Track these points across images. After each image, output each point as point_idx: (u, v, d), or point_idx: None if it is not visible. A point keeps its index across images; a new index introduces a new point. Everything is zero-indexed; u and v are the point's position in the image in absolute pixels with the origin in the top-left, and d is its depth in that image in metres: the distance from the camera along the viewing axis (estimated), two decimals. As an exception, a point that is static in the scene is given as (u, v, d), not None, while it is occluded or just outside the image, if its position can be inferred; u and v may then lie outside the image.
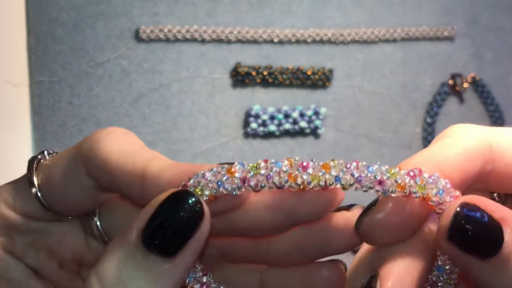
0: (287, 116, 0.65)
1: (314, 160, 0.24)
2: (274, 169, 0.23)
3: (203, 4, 0.64)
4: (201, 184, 0.23)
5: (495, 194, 0.28)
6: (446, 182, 0.24)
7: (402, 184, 0.24)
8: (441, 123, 0.72)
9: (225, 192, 0.23)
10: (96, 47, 0.61)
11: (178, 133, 0.64)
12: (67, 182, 0.26)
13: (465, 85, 0.72)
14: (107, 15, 0.61)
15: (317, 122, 0.66)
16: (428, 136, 0.71)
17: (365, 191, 0.24)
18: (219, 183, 0.23)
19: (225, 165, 0.23)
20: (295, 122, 0.65)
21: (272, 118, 0.65)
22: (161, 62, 0.63)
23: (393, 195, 0.24)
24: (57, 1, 0.59)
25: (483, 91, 0.73)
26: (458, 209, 0.23)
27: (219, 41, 0.64)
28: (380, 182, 0.23)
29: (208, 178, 0.23)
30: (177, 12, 0.63)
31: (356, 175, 0.23)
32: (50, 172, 0.26)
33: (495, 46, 0.74)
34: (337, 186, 0.23)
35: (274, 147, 0.66)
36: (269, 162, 0.23)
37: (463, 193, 0.25)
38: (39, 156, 0.28)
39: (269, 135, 0.66)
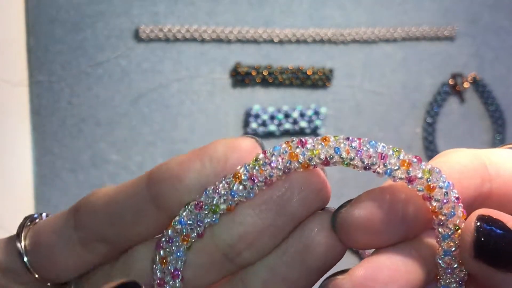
0: (287, 116, 0.65)
1: (313, 137, 0.23)
2: (274, 155, 0.23)
3: (203, 4, 0.63)
4: (215, 200, 0.23)
5: None
6: (450, 183, 0.22)
7: (408, 161, 0.22)
8: (441, 123, 0.72)
9: (241, 200, 0.23)
10: (95, 47, 0.61)
11: (178, 133, 0.64)
12: (55, 238, 0.25)
13: (466, 85, 0.72)
14: (106, 15, 0.61)
15: (317, 122, 0.66)
16: (428, 136, 0.71)
17: (366, 168, 0.22)
18: (232, 193, 0.23)
19: (230, 175, 0.23)
20: (295, 122, 0.65)
21: (272, 118, 0.65)
22: (161, 62, 0.63)
23: (396, 175, 0.22)
24: (56, 1, 0.59)
25: (483, 91, 0.73)
26: (478, 224, 0.21)
27: (219, 41, 0.64)
28: (383, 156, 0.22)
29: (221, 192, 0.23)
30: (177, 12, 0.63)
31: (357, 147, 0.22)
32: (40, 230, 0.26)
33: (496, 46, 0.74)
34: (338, 160, 0.22)
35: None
36: (267, 151, 0.23)
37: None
38: (36, 215, 0.27)
39: (269, 135, 0.66)
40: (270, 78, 0.65)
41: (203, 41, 0.63)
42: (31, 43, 0.59)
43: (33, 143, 0.60)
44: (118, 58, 0.62)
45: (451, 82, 0.72)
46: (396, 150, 0.22)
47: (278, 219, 0.23)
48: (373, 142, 0.22)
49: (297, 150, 0.22)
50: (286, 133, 0.66)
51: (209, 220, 0.23)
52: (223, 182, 0.23)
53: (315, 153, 0.22)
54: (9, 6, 0.59)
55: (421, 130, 0.72)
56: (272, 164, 0.22)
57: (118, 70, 0.62)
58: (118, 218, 0.24)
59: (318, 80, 0.66)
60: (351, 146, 0.22)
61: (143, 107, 0.63)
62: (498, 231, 0.21)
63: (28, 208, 0.61)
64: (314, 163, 0.22)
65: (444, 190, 0.22)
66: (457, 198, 0.22)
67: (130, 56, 0.62)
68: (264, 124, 0.65)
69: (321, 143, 0.22)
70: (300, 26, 0.66)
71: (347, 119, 0.68)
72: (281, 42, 0.66)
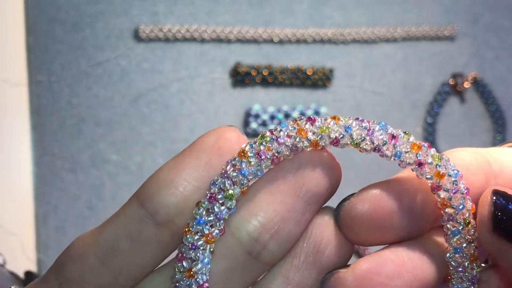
0: (287, 116, 0.65)
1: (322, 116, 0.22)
2: (282, 131, 0.21)
3: (202, 4, 0.63)
4: (227, 184, 0.21)
5: None
6: (459, 172, 0.21)
7: (418, 144, 0.21)
8: (442, 123, 0.72)
9: (252, 178, 0.21)
10: (95, 46, 0.61)
11: (178, 133, 0.64)
12: None
13: (466, 85, 0.72)
14: (106, 15, 0.61)
15: (317, 122, 0.65)
16: (428, 136, 0.71)
17: (375, 150, 0.21)
18: (243, 172, 0.21)
19: (236, 156, 0.22)
20: (295, 122, 0.65)
21: (272, 118, 0.65)
22: (161, 62, 0.62)
23: (405, 159, 0.21)
24: (56, 0, 0.59)
25: (484, 91, 0.73)
26: (494, 198, 0.21)
27: (218, 40, 0.64)
28: (394, 137, 0.21)
29: (231, 175, 0.21)
30: (177, 12, 0.63)
31: (367, 127, 0.21)
32: None
33: (496, 46, 0.73)
34: (348, 140, 0.21)
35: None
36: (273, 129, 0.22)
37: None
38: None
39: (269, 135, 0.66)
40: (270, 78, 0.65)
41: (203, 41, 0.63)
42: (30, 42, 0.59)
43: (32, 143, 0.60)
44: (118, 58, 0.61)
45: (451, 82, 0.72)
46: (406, 134, 0.21)
47: (298, 202, 0.21)
48: (383, 123, 0.21)
49: (307, 126, 0.21)
50: (286, 133, 0.66)
51: (227, 210, 0.21)
52: (229, 165, 0.21)
53: (325, 130, 0.21)
54: (8, 6, 0.59)
55: (422, 130, 0.72)
56: (279, 140, 0.21)
57: (118, 70, 0.61)
58: (113, 253, 0.21)
59: (318, 80, 0.66)
60: (362, 126, 0.21)
61: (143, 107, 0.62)
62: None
63: (27, 208, 0.60)
64: (324, 142, 0.21)
65: (453, 178, 0.21)
66: (466, 189, 0.21)
67: (130, 56, 0.62)
68: (264, 124, 0.64)
69: (332, 121, 0.21)
70: (300, 26, 0.66)
71: (347, 119, 0.68)
72: (281, 42, 0.66)
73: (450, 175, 0.21)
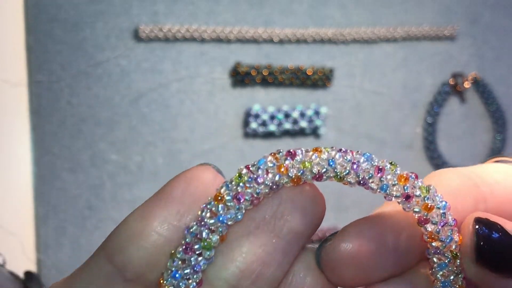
0: (287, 116, 0.65)
1: (302, 149, 0.20)
2: (260, 168, 0.20)
3: (202, 3, 0.63)
4: (204, 233, 0.19)
5: None
6: (447, 203, 0.20)
7: (405, 176, 0.20)
8: (442, 123, 0.72)
9: (230, 224, 0.20)
10: (95, 46, 0.61)
11: (178, 133, 0.63)
12: None
13: (466, 84, 0.72)
14: (106, 15, 0.61)
15: (318, 122, 0.65)
16: (428, 136, 0.71)
17: (360, 183, 0.20)
18: (221, 218, 0.19)
19: (210, 199, 0.20)
20: (295, 122, 0.65)
21: (272, 118, 0.65)
22: (161, 62, 0.62)
23: (392, 192, 0.20)
24: (56, 0, 0.59)
25: (484, 91, 0.73)
26: (477, 226, 0.20)
27: (218, 40, 0.64)
28: (380, 170, 0.20)
29: (208, 222, 0.19)
30: (177, 11, 0.63)
31: (352, 160, 0.20)
32: None
33: (496, 46, 0.73)
34: (332, 175, 0.20)
35: (274, 147, 0.66)
36: (250, 165, 0.20)
37: None
38: None
39: (269, 135, 0.65)
40: (270, 78, 0.65)
41: (203, 41, 0.63)
42: (30, 42, 0.59)
43: (32, 143, 0.60)
44: (118, 58, 0.61)
45: (451, 82, 0.72)
46: (393, 164, 0.20)
47: (279, 244, 0.20)
48: (368, 154, 0.20)
49: (286, 162, 0.20)
50: (286, 133, 0.66)
51: (205, 260, 0.19)
52: (205, 211, 0.20)
53: (307, 165, 0.20)
54: (8, 5, 0.59)
55: (422, 130, 0.72)
56: (258, 180, 0.19)
57: (118, 70, 0.61)
58: None
59: (318, 80, 0.66)
60: (346, 159, 0.20)
61: (142, 107, 0.62)
62: (496, 234, 0.19)
63: (27, 208, 0.60)
64: (306, 177, 0.20)
65: (441, 211, 0.20)
66: (454, 220, 0.20)
67: (129, 56, 0.62)
68: (264, 124, 0.64)
69: (314, 154, 0.20)
70: (300, 25, 0.66)
71: (348, 119, 0.68)
72: (281, 41, 0.65)
73: (438, 207, 0.20)
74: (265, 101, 0.66)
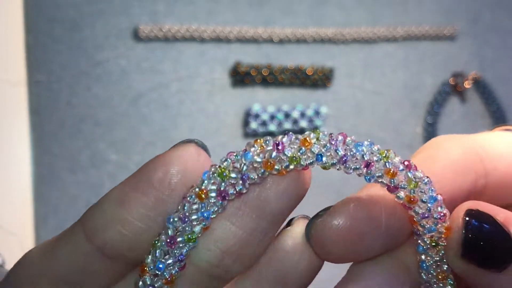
0: (287, 116, 0.65)
1: (290, 134, 0.20)
2: (245, 164, 0.19)
3: (202, 3, 0.63)
4: (187, 228, 0.19)
5: None
6: (439, 195, 0.20)
7: (393, 170, 0.19)
8: (442, 123, 0.72)
9: (214, 216, 0.19)
10: (94, 46, 0.61)
11: (178, 133, 0.63)
12: None
13: (467, 84, 0.72)
14: (106, 14, 0.61)
15: (318, 122, 0.65)
16: (429, 136, 0.71)
17: (348, 172, 0.20)
18: (205, 214, 0.19)
19: (192, 191, 0.19)
20: (295, 122, 0.65)
21: (272, 118, 0.64)
22: (160, 62, 0.62)
23: (378, 181, 0.19)
24: (55, 0, 0.59)
25: (484, 91, 0.73)
26: (467, 219, 0.19)
27: (218, 40, 0.64)
28: (368, 165, 0.19)
29: (191, 216, 0.19)
30: (177, 11, 0.63)
31: (341, 153, 0.19)
32: None
33: (497, 45, 0.73)
34: (320, 166, 0.19)
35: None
36: (234, 156, 0.19)
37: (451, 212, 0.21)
38: None
39: (269, 135, 0.65)
40: (270, 78, 0.65)
41: (202, 40, 0.63)
42: (29, 42, 0.59)
43: (31, 143, 0.60)
44: (118, 57, 0.61)
45: (452, 81, 0.72)
46: (384, 156, 0.20)
47: (260, 223, 0.20)
48: (360, 145, 0.20)
49: (273, 155, 0.19)
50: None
51: (188, 248, 0.19)
52: (187, 204, 0.19)
53: (294, 162, 0.19)
54: (7, 5, 0.58)
55: (422, 130, 0.72)
56: (244, 177, 0.19)
57: (118, 69, 0.61)
58: (65, 283, 0.20)
59: (318, 79, 0.66)
60: (336, 151, 0.19)
61: (142, 107, 0.62)
62: (487, 225, 0.19)
63: (27, 208, 0.60)
64: (292, 169, 0.19)
65: (428, 205, 0.20)
66: (443, 215, 0.20)
67: (129, 56, 0.62)
68: (264, 124, 0.64)
69: (301, 148, 0.19)
70: (300, 25, 0.66)
71: (348, 119, 0.68)
72: (281, 41, 0.65)
73: (424, 201, 0.20)
74: (265, 101, 0.65)
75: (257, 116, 0.64)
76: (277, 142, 0.19)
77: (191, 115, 0.64)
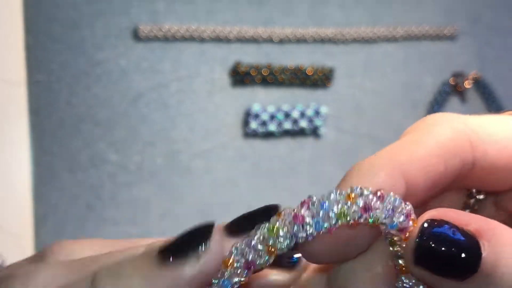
0: (287, 115, 0.65)
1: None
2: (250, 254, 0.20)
3: (202, 3, 0.63)
4: None
5: (473, 190, 0.24)
6: (404, 203, 0.20)
7: (353, 196, 0.19)
8: (442, 123, 0.72)
9: None
10: (94, 46, 0.61)
11: (177, 132, 0.63)
12: None
13: (467, 84, 0.72)
14: (105, 14, 0.61)
15: (318, 122, 0.65)
16: (429, 136, 0.71)
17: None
18: None
19: None
20: (295, 122, 0.65)
21: (272, 117, 0.64)
22: (160, 61, 0.62)
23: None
24: (55, 0, 0.59)
25: (485, 91, 0.73)
26: (424, 226, 0.19)
27: (218, 40, 0.64)
28: (368, 209, 0.19)
29: None
30: (176, 11, 0.63)
31: (310, 231, 0.19)
32: None
33: (497, 45, 0.73)
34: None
35: (274, 147, 0.66)
36: (234, 251, 0.20)
37: (435, 196, 0.21)
38: None
39: (269, 135, 0.65)
40: (270, 78, 0.65)
41: (202, 40, 0.63)
42: (29, 42, 0.59)
43: (31, 143, 0.60)
44: (117, 57, 0.61)
45: (452, 81, 0.72)
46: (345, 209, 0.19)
47: None
48: (325, 204, 0.19)
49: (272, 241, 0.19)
50: (286, 133, 0.66)
51: None
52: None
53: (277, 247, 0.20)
54: (7, 5, 0.58)
55: (422, 130, 0.71)
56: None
57: (117, 69, 0.61)
58: None
59: (318, 79, 0.66)
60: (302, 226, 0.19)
61: (142, 106, 0.62)
62: (446, 233, 0.18)
63: (26, 208, 0.60)
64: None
65: (387, 218, 0.20)
66: (406, 218, 0.20)
67: (129, 56, 0.61)
68: (264, 124, 0.64)
69: (271, 237, 0.20)
70: (300, 25, 0.66)
71: (348, 119, 0.68)
72: (281, 41, 0.65)
73: (385, 217, 0.20)
74: (265, 101, 0.65)
75: (257, 116, 0.64)
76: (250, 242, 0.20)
77: (191, 115, 0.64)
